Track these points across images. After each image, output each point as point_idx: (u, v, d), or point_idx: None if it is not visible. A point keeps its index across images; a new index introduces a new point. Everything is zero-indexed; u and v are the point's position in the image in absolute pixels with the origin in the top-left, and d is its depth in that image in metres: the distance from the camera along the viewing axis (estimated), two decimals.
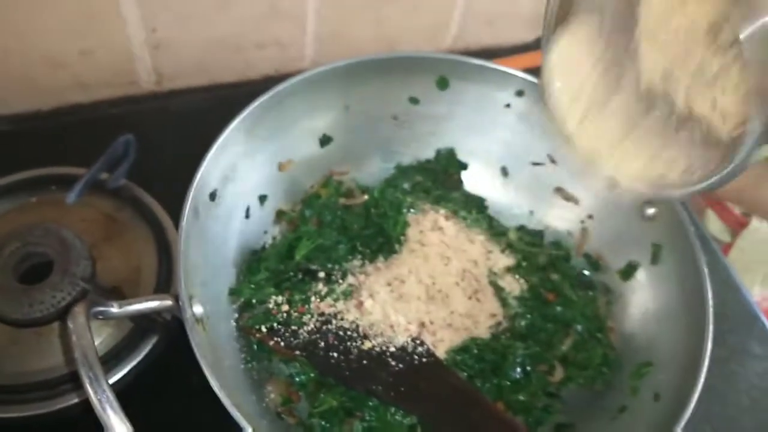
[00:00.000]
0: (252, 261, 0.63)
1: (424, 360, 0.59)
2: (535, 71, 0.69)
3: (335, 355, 0.59)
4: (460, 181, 0.73)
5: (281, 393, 0.58)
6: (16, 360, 0.62)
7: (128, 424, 0.41)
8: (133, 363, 0.63)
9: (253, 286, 0.61)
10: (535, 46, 1.01)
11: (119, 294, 0.66)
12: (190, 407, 0.60)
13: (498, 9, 0.96)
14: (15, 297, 0.63)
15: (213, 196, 0.59)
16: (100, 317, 0.46)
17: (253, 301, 0.61)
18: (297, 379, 0.60)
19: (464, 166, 0.73)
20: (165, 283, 0.67)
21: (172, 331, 0.64)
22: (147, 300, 0.50)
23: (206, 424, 0.59)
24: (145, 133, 0.74)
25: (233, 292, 0.61)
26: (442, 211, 0.68)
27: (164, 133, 0.80)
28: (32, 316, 0.63)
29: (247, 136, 0.62)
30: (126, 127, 0.75)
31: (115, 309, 0.47)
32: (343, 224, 0.67)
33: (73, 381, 0.61)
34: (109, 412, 0.40)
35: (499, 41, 1.00)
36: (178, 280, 0.50)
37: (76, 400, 0.60)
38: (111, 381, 0.59)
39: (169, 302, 0.49)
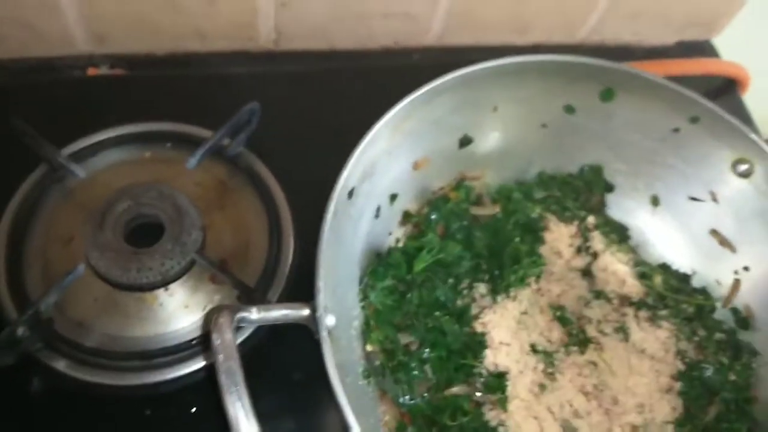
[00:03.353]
0: (377, 265, 0.59)
1: None
2: (678, 79, 0.62)
3: None
4: (603, 204, 0.67)
5: (394, 416, 0.54)
6: (114, 324, 0.60)
7: None
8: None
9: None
10: (675, 51, 0.94)
11: (226, 269, 0.63)
12: (286, 405, 0.58)
13: (645, 3, 0.87)
14: (123, 259, 0.61)
15: (351, 194, 0.54)
16: (242, 325, 0.42)
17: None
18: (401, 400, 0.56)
19: (610, 188, 0.67)
20: (274, 265, 0.64)
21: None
22: (284, 308, 0.46)
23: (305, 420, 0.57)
24: (259, 97, 0.69)
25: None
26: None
27: (278, 99, 0.76)
28: (138, 281, 0.61)
29: (392, 133, 0.57)
30: (240, 89, 0.72)
31: (254, 316, 0.43)
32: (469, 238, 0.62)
33: (171, 354, 0.59)
34: None
35: (638, 40, 0.92)
36: (317, 291, 0.45)
37: (170, 376, 0.58)
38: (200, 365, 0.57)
39: (305, 312, 0.46)
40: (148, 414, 0.57)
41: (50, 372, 0.57)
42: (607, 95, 0.62)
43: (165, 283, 0.62)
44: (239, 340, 0.59)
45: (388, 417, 0.54)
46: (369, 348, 0.57)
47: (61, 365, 0.57)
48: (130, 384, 0.58)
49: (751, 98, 0.89)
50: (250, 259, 0.65)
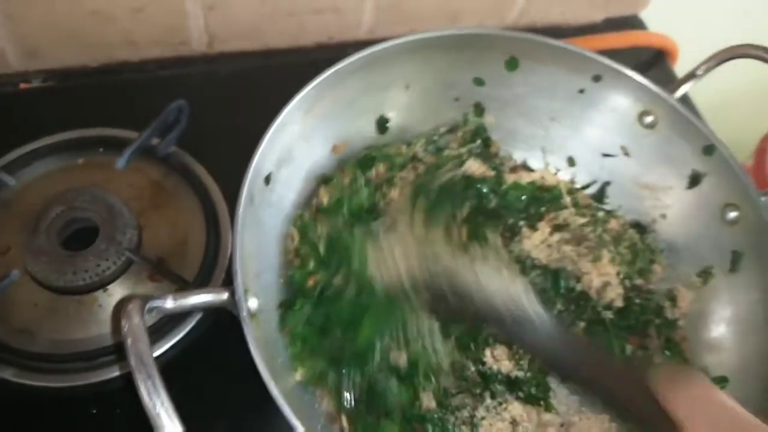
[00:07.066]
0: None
1: None
2: (608, 54, 0.65)
3: None
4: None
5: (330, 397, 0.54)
6: (55, 328, 0.61)
7: None
8: (175, 340, 0.62)
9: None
10: (603, 27, 0.96)
11: (164, 267, 0.64)
12: (232, 394, 0.59)
13: None
14: (58, 263, 0.62)
15: (268, 180, 0.56)
16: (154, 312, 0.43)
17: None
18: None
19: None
20: (212, 260, 0.65)
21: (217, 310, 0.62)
22: (201, 293, 0.47)
23: (247, 414, 0.58)
24: (194, 98, 0.71)
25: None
26: None
27: (213, 99, 0.78)
28: (75, 284, 0.62)
29: (304, 116, 0.58)
30: (175, 91, 0.73)
31: (169, 304, 0.44)
32: None
33: (112, 354, 0.60)
34: (166, 423, 0.38)
35: (566, 19, 0.94)
36: (234, 273, 0.46)
37: (114, 374, 0.59)
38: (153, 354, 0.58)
39: (224, 296, 0.46)
40: (94, 413, 0.58)
41: None
42: (511, 64, 0.63)
43: (102, 285, 0.63)
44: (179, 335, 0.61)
45: (326, 400, 0.54)
46: (298, 377, 0.54)
47: (7, 373, 0.58)
48: (76, 384, 0.59)
49: (682, 69, 0.91)
50: (189, 255, 0.66)
